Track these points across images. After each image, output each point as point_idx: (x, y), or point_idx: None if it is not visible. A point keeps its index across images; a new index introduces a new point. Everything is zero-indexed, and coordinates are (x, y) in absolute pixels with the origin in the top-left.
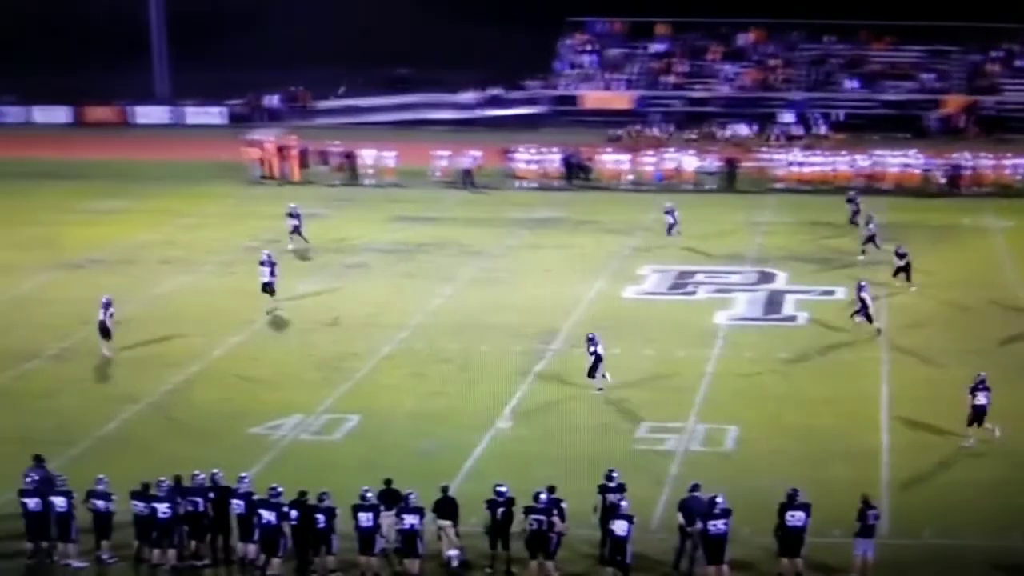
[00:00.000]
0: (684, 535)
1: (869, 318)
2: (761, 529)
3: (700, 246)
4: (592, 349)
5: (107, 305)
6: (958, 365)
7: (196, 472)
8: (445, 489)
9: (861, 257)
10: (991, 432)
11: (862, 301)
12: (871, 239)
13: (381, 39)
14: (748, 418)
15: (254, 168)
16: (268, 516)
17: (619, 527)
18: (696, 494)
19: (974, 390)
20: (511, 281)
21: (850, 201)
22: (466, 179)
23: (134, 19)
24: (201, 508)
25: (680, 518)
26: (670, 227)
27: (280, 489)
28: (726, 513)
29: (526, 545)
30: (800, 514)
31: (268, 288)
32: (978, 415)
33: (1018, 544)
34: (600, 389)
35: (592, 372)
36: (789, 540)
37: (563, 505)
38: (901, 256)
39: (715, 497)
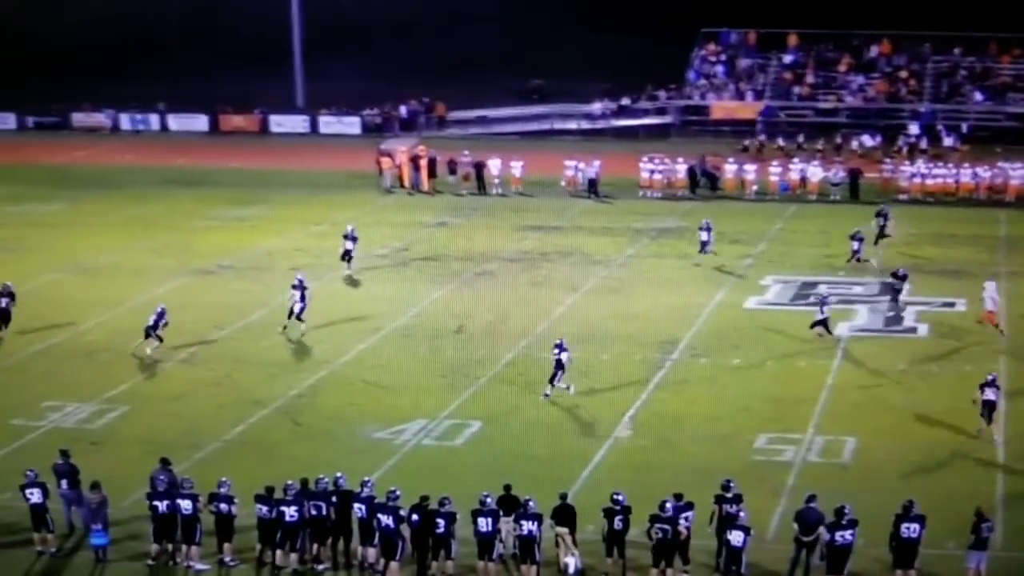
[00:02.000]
0: (799, 546)
1: (828, 330)
2: (876, 541)
3: (823, 257)
4: (556, 355)
5: (161, 315)
6: None
7: (320, 476)
8: (563, 496)
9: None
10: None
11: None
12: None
13: (516, 50)
14: (866, 429)
15: (386, 177)
16: (386, 520)
17: (735, 537)
18: (812, 505)
19: (984, 387)
20: (633, 290)
21: (880, 215)
22: (591, 188)
23: (273, 28)
24: (324, 512)
25: (796, 529)
26: (703, 244)
27: (398, 493)
28: (853, 524)
29: (652, 553)
30: (915, 526)
31: (298, 315)
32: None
33: None
34: (547, 395)
35: (553, 379)
36: (903, 552)
37: (689, 514)
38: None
39: (843, 507)
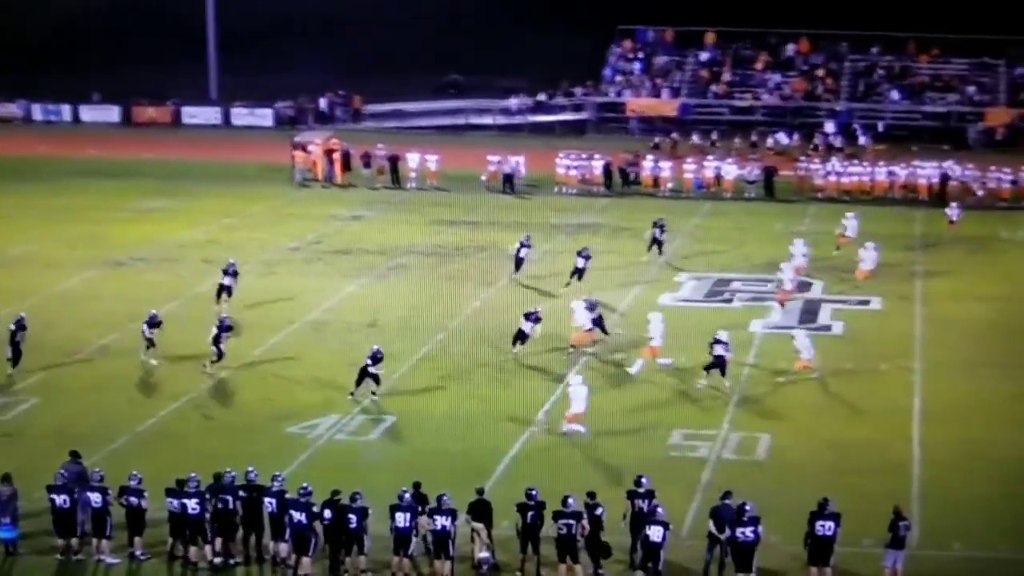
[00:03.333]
0: (713, 543)
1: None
2: (791, 538)
3: (738, 254)
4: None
5: (153, 322)
6: (994, 378)
7: (227, 470)
8: (480, 491)
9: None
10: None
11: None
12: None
13: (433, 45)
14: (781, 426)
15: (300, 170)
16: (298, 516)
17: (655, 533)
18: (727, 502)
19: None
20: (548, 286)
21: (656, 226)
22: (507, 184)
23: (187, 20)
24: (231, 506)
25: (711, 525)
26: (655, 242)
27: (310, 489)
28: (754, 521)
29: (556, 549)
30: (830, 523)
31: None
32: None
33: None
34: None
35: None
36: (819, 549)
37: (598, 512)
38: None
39: (744, 504)
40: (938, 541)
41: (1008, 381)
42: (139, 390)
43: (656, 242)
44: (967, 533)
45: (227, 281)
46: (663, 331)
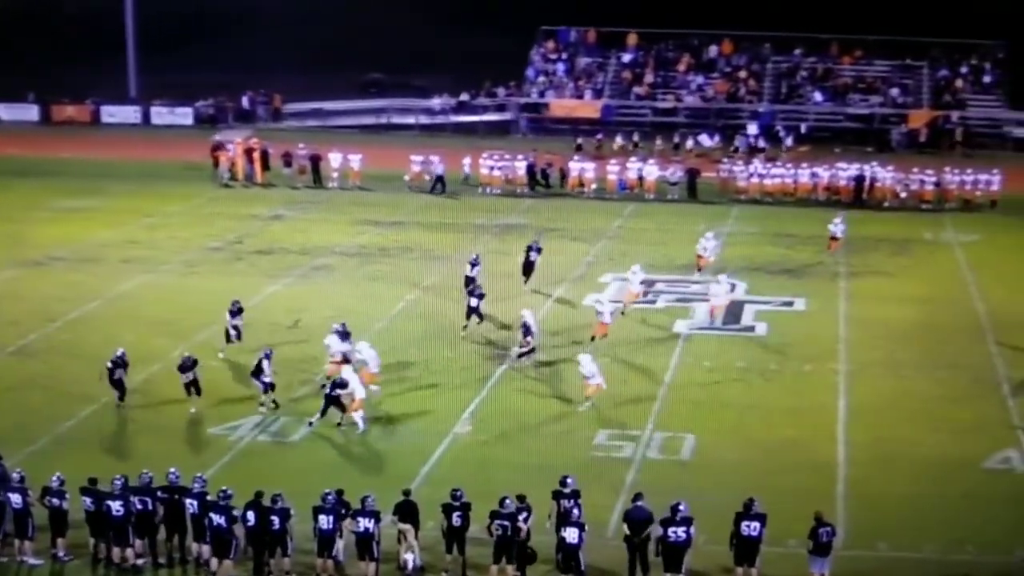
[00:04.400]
0: (631, 546)
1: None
2: (717, 538)
3: (661, 255)
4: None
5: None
6: (918, 378)
7: (144, 471)
8: (407, 492)
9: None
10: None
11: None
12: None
13: (355, 44)
14: (706, 427)
15: (222, 170)
16: (218, 519)
17: (570, 535)
18: (640, 504)
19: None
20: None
21: (531, 249)
22: (436, 184)
23: (107, 18)
24: (150, 507)
25: (625, 528)
26: (528, 265)
27: (230, 492)
28: (687, 521)
29: (493, 550)
30: (755, 524)
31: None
32: None
33: (972, 557)
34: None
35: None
36: (744, 549)
37: (524, 515)
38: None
39: (678, 504)
40: (864, 541)
41: (931, 381)
42: (58, 390)
43: (528, 265)
44: (893, 533)
45: (236, 322)
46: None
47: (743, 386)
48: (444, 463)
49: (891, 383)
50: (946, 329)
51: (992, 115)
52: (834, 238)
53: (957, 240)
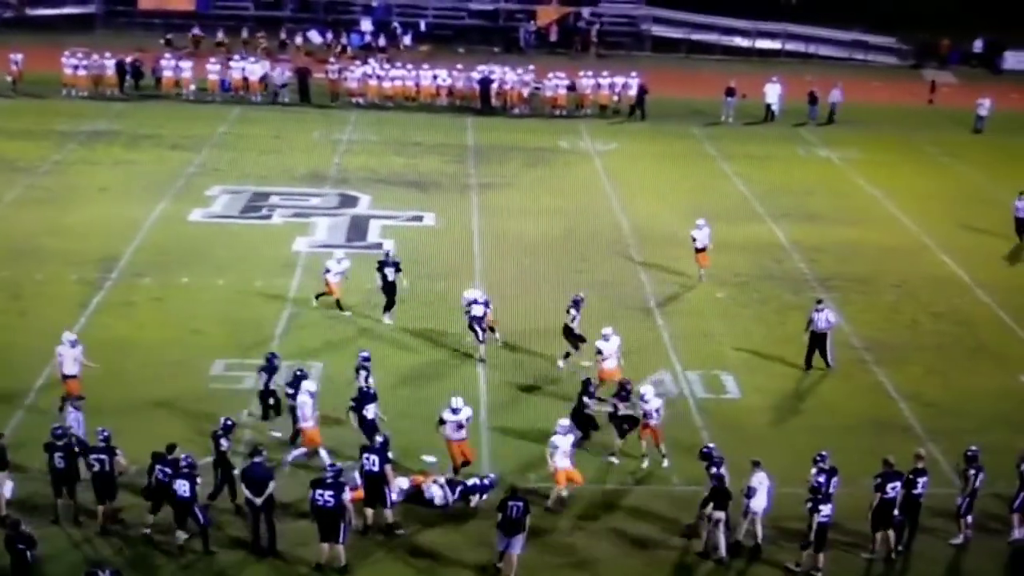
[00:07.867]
0: (253, 509)
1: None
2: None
3: (275, 165)
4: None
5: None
6: (549, 293)
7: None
8: None
9: None
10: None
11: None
12: None
13: None
14: (334, 354)
15: None
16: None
17: (181, 487)
18: (258, 460)
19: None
20: (63, 201)
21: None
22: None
23: None
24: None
25: (245, 492)
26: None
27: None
28: (339, 486)
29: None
30: (375, 457)
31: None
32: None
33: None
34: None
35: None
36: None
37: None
38: None
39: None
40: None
41: (561, 294)
42: None
43: (389, 287)
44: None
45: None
46: None
47: (370, 307)
48: (45, 398)
49: (528, 303)
50: (575, 239)
51: (627, 12)
52: (699, 250)
53: (595, 149)
